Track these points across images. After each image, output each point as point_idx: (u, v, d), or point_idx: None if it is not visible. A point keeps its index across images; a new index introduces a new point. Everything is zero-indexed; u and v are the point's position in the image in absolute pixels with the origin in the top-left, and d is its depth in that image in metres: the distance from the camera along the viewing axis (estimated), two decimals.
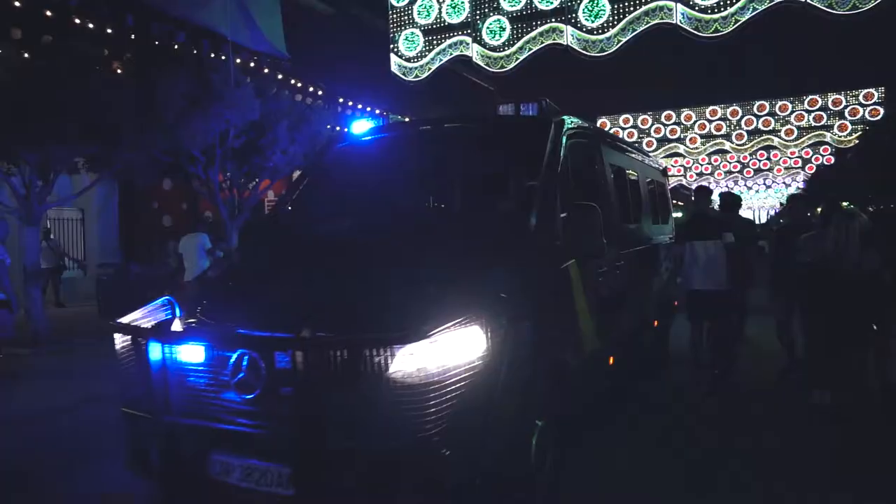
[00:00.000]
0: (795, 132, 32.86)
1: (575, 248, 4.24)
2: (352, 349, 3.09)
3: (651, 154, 11.94)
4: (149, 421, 3.52)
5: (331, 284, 3.72)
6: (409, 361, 3.07)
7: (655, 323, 7.45)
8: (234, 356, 3.28)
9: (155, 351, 3.45)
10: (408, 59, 16.67)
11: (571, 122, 5.13)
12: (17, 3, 14.75)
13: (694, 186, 12.91)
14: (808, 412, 6.27)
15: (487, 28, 15.54)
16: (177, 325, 3.62)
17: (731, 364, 7.67)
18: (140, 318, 3.78)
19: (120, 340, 3.75)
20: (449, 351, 3.11)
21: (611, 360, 5.40)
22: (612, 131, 27.76)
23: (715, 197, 11.76)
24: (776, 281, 7.65)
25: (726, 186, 43.08)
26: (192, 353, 3.43)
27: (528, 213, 4.13)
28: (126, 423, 3.71)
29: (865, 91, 31.22)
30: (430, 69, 16.56)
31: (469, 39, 15.88)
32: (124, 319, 3.76)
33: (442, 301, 3.24)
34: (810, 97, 32.55)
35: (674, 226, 9.02)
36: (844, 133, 31.55)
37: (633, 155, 7.46)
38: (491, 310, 3.30)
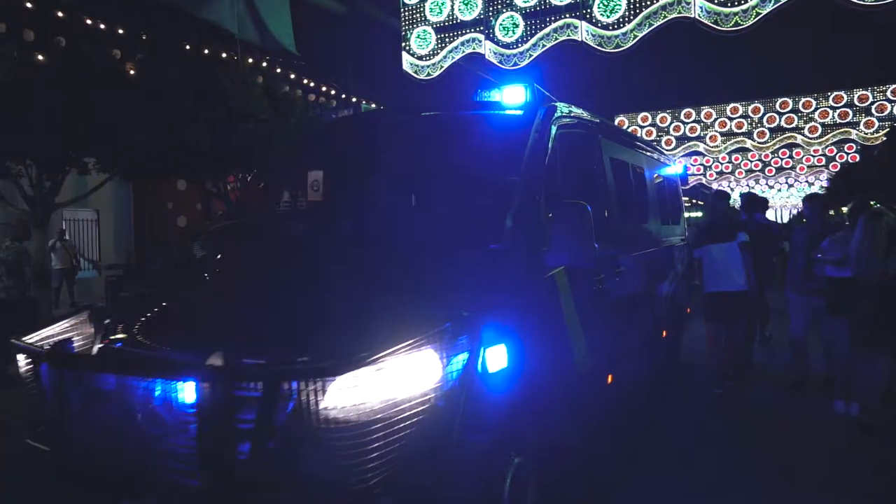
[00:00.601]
0: (820, 129, 31.78)
1: (561, 254, 3.66)
2: (270, 380, 2.54)
3: (670, 152, 11.38)
4: (51, 456, 3.00)
5: (267, 298, 3.18)
6: (345, 395, 2.52)
7: (664, 333, 6.83)
8: (140, 386, 2.75)
9: (53, 376, 2.92)
10: (420, 58, 16.27)
11: (564, 109, 4.51)
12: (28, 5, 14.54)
13: (714, 186, 12.50)
14: (833, 422, 6.05)
15: (500, 25, 15.08)
16: (88, 346, 3.09)
17: (747, 367, 7.56)
18: (51, 334, 3.24)
19: (23, 362, 3.23)
20: (395, 381, 2.57)
21: (609, 379, 4.81)
22: (629, 129, 27.10)
23: (738, 197, 11.51)
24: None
25: (747, 185, 42.06)
26: (95, 381, 2.89)
27: (504, 213, 3.52)
28: (30, 456, 3.15)
29: (894, 86, 30.15)
30: (442, 67, 16.16)
31: (482, 37, 15.46)
32: (31, 337, 3.22)
33: (388, 320, 2.69)
34: (835, 93, 31.51)
35: (685, 227, 8.46)
36: (871, 130, 30.47)
37: (640, 149, 6.80)
38: (449, 330, 2.75)
